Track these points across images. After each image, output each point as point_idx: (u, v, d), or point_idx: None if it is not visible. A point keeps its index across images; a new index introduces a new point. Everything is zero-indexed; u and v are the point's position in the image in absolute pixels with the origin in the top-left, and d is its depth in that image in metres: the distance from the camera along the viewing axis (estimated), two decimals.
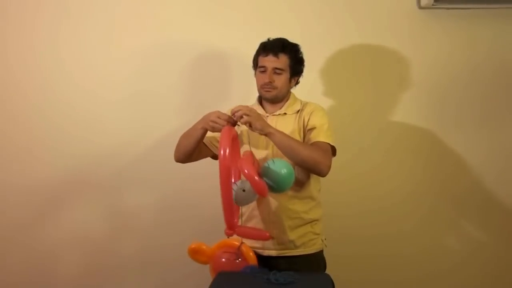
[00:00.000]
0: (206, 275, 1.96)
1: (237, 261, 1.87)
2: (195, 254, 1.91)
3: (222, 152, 1.69)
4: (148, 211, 2.57)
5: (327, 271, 1.96)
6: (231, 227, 1.80)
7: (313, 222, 1.98)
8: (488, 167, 2.49)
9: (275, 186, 1.71)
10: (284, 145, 1.82)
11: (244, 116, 1.77)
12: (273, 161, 1.72)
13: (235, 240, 1.91)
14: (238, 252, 1.87)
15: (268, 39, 1.98)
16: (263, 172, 1.71)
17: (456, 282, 2.51)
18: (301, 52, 2.00)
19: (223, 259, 1.89)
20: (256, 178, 1.67)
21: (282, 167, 1.70)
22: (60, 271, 2.60)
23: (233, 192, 1.73)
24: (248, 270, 1.83)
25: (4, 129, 2.56)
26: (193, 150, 1.95)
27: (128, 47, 2.52)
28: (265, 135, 1.81)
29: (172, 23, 2.51)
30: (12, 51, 2.54)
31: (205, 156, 2.03)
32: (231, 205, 1.75)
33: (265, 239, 1.86)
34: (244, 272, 1.83)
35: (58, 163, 2.55)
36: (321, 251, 2.01)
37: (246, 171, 1.67)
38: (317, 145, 1.88)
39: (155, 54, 2.52)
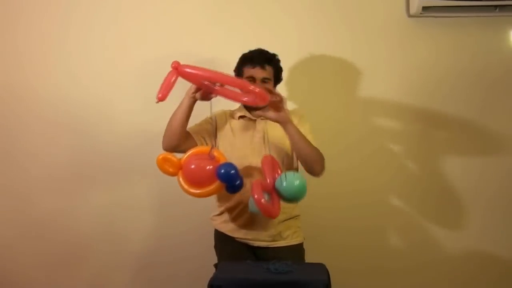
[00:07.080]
0: (208, 262, 2.06)
1: (208, 165, 1.75)
2: (164, 163, 1.80)
3: None
4: (152, 204, 2.65)
5: (321, 259, 2.00)
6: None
7: (296, 217, 2.15)
8: (472, 164, 2.58)
9: (289, 197, 1.81)
10: (296, 138, 1.94)
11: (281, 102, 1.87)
12: (285, 175, 1.78)
13: (204, 147, 1.86)
14: (210, 155, 1.76)
15: (250, 51, 2.09)
16: (278, 186, 1.78)
17: (440, 273, 2.60)
18: (280, 61, 2.13)
19: (193, 166, 1.79)
20: (263, 202, 1.70)
21: (294, 179, 1.77)
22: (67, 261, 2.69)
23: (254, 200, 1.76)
24: (222, 170, 1.72)
25: (25, 129, 2.65)
26: (180, 130, 1.96)
27: (134, 57, 2.59)
28: (283, 124, 1.91)
29: (176, 34, 2.57)
30: (28, 63, 2.62)
31: (191, 146, 1.98)
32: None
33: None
34: (246, 263, 1.85)
35: (70, 158, 2.63)
36: (302, 243, 2.16)
37: (256, 196, 1.70)
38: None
39: (160, 62, 2.40)
